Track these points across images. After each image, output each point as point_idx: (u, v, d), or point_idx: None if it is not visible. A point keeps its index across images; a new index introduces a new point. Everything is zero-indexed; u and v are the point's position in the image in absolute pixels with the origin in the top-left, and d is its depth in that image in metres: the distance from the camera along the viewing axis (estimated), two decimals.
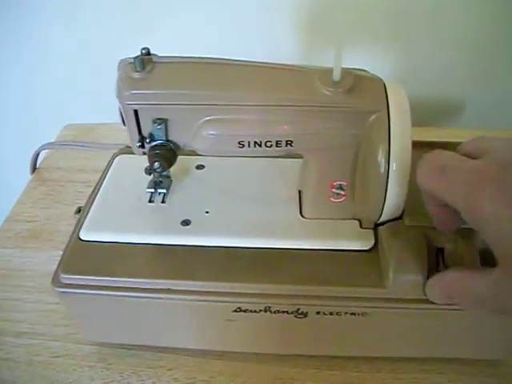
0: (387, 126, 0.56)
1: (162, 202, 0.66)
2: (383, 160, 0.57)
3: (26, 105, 0.95)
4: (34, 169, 0.86)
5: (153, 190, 0.66)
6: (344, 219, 0.64)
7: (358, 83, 0.57)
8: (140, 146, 0.60)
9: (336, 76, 0.56)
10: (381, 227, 0.62)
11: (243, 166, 0.72)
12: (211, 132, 0.57)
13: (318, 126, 0.57)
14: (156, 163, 0.58)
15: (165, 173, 0.67)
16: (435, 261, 0.57)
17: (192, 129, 0.58)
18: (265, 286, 0.59)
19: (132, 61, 0.57)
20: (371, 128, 0.57)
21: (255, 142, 0.57)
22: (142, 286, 0.59)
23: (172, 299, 0.59)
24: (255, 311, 0.59)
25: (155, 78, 0.57)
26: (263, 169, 0.71)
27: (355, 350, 0.66)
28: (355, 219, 0.64)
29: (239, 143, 0.58)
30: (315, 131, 0.57)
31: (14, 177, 0.87)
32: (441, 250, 0.58)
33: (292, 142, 0.58)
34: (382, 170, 0.57)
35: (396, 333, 0.62)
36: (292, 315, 0.59)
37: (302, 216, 0.65)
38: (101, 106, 0.80)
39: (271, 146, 0.58)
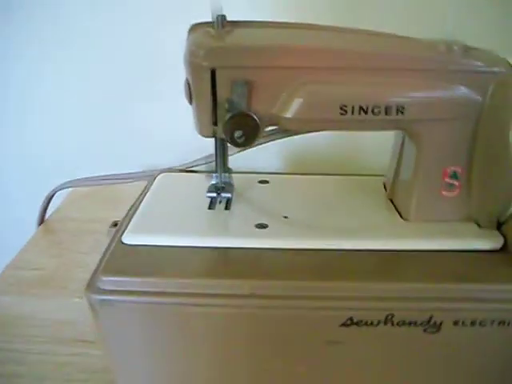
0: None
1: (226, 208, 0.52)
2: None
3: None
4: (41, 220, 0.71)
5: (214, 195, 0.53)
6: (457, 221, 0.51)
7: (471, 48, 0.50)
8: (213, 123, 0.49)
9: (449, 34, 0.49)
10: (509, 222, 0.50)
11: (311, 182, 0.60)
12: (308, 97, 0.47)
13: (433, 90, 0.48)
14: (237, 131, 0.46)
15: (229, 179, 0.55)
16: None
17: (282, 94, 0.47)
18: (387, 285, 0.44)
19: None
20: (496, 94, 0.48)
21: (361, 108, 0.47)
22: (207, 291, 0.44)
23: (253, 306, 0.43)
24: (372, 323, 0.44)
25: (238, 35, 0.48)
26: (338, 184, 0.60)
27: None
28: (470, 221, 0.51)
29: (342, 109, 0.47)
30: (430, 96, 0.48)
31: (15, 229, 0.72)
32: None
33: (403, 108, 0.47)
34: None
35: None
36: (421, 328, 0.44)
37: (404, 219, 0.52)
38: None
39: (379, 112, 0.47)
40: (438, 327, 0.44)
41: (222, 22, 0.48)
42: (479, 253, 0.48)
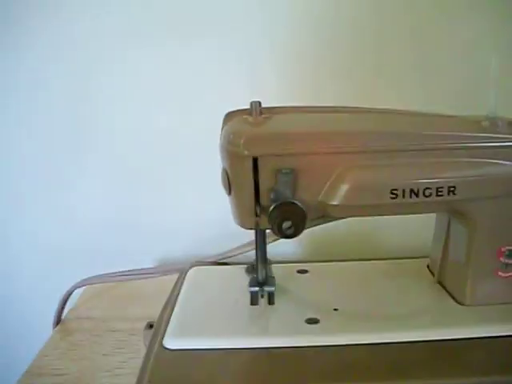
0: None
1: (270, 303, 0.49)
2: None
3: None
4: (58, 320, 0.66)
5: (257, 289, 0.50)
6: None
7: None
8: (255, 214, 0.46)
9: (492, 110, 0.48)
10: None
11: (351, 269, 0.58)
12: (355, 182, 0.45)
13: (482, 167, 0.46)
14: (286, 222, 0.44)
15: (270, 271, 0.52)
16: None
17: (327, 180, 0.45)
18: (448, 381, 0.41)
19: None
20: None
21: (411, 191, 0.45)
22: None
23: None
24: None
25: (276, 122, 0.47)
26: (378, 269, 0.57)
27: None
28: None
29: (392, 193, 0.45)
30: (480, 173, 0.46)
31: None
32: None
33: (455, 188, 0.46)
34: None
35: None
36: None
37: (459, 303, 0.49)
38: None
39: (430, 194, 0.45)
40: None
41: (259, 109, 0.46)
42: None
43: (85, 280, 0.66)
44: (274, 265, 0.55)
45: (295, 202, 0.45)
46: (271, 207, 0.45)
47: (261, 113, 0.47)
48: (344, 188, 0.45)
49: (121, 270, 0.67)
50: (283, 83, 0.69)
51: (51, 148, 0.74)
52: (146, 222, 0.74)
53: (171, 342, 0.45)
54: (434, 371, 0.42)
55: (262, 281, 0.51)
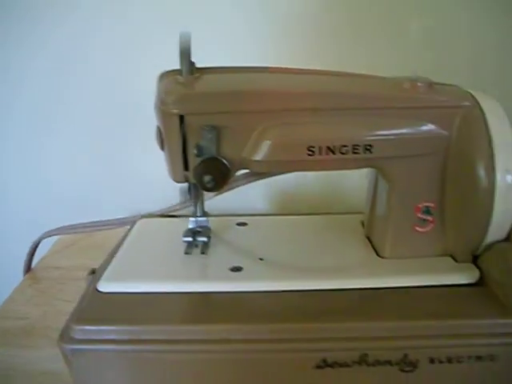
0: (483, 122, 0.48)
1: (202, 252, 0.52)
2: (483, 166, 0.47)
3: None
4: (28, 268, 0.71)
5: (190, 239, 0.53)
6: (433, 256, 0.51)
7: (434, 83, 0.50)
8: (184, 168, 0.49)
9: (413, 72, 0.50)
10: (485, 253, 0.49)
11: (289, 223, 0.60)
12: (275, 139, 0.48)
13: (400, 127, 0.48)
14: (207, 176, 0.47)
15: (206, 223, 0.55)
16: None
17: (251, 137, 0.48)
18: (359, 325, 0.44)
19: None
20: (462, 127, 0.48)
21: (328, 148, 0.48)
22: (181, 337, 0.43)
23: (227, 351, 0.43)
24: (346, 364, 0.43)
25: (205, 81, 0.49)
26: (315, 223, 0.60)
27: None
28: (446, 255, 0.51)
29: (309, 150, 0.48)
30: (397, 133, 0.48)
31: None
32: None
33: (371, 146, 0.48)
34: (485, 180, 0.47)
35: None
36: (397, 367, 0.43)
37: (381, 256, 0.52)
38: None
39: (347, 152, 0.48)
40: (414, 365, 0.43)
41: (190, 69, 0.49)
42: (455, 287, 0.48)
43: (54, 230, 0.70)
44: (217, 217, 0.59)
45: (218, 157, 0.49)
46: (196, 162, 0.48)
47: (192, 73, 0.49)
48: (265, 145, 0.48)
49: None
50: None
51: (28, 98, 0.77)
52: (120, 174, 0.78)
53: (104, 286, 0.49)
54: (351, 316, 0.45)
55: (196, 231, 0.54)
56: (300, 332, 0.43)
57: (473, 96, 0.50)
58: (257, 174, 0.57)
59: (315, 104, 0.48)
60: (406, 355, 0.43)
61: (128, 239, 0.57)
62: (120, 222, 0.64)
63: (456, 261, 0.51)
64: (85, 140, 0.78)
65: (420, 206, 0.50)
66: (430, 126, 0.48)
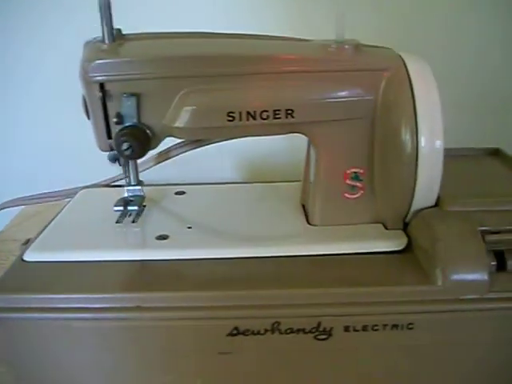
0: (408, 86, 0.46)
1: (133, 221, 0.52)
2: (408, 132, 0.46)
3: None
4: None
5: (121, 208, 0.53)
6: (363, 223, 0.50)
7: (363, 46, 0.49)
8: (108, 137, 0.49)
9: (340, 34, 0.48)
10: (413, 220, 0.48)
11: (231, 190, 0.60)
12: (194, 105, 0.47)
13: (322, 91, 0.47)
14: (125, 143, 0.46)
15: (140, 192, 0.55)
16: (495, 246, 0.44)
17: (169, 104, 0.47)
18: (270, 293, 0.43)
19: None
20: (387, 91, 0.47)
21: (248, 113, 0.47)
22: (99, 305, 0.43)
23: (140, 319, 0.43)
24: (259, 332, 0.43)
25: (125, 48, 0.48)
26: (254, 192, 0.59)
27: None
28: (378, 222, 0.50)
29: (229, 115, 0.47)
30: (319, 97, 0.47)
31: None
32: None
33: (293, 111, 0.47)
34: (408, 146, 0.46)
35: (460, 355, 0.45)
36: (311, 335, 0.43)
37: (311, 224, 0.51)
38: None
39: (267, 117, 0.47)
40: (328, 333, 0.43)
41: (111, 36, 0.48)
42: (380, 255, 0.47)
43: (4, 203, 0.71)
44: (155, 187, 0.58)
45: (139, 125, 0.48)
46: (115, 134, 0.48)
47: (114, 40, 0.48)
48: (185, 111, 0.47)
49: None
50: None
51: None
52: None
53: (29, 255, 0.49)
54: (265, 284, 0.44)
55: (128, 201, 0.54)
56: (211, 300, 0.43)
57: (401, 58, 0.48)
58: (194, 143, 0.56)
59: (235, 69, 0.47)
60: (319, 323, 0.43)
61: (64, 210, 0.56)
62: (68, 193, 0.64)
63: (386, 228, 0.50)
64: (42, 113, 0.78)
65: (348, 172, 0.49)
66: (354, 90, 0.47)
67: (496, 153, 0.60)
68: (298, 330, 0.43)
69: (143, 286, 0.44)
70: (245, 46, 0.49)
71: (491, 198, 0.49)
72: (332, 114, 0.47)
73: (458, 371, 0.45)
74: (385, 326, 0.43)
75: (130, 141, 0.47)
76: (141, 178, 0.55)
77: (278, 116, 0.47)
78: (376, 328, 0.43)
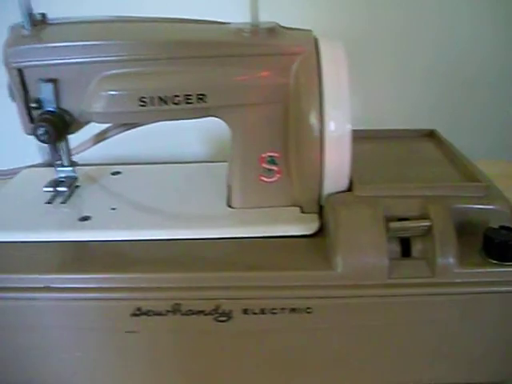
0: (316, 70, 0.46)
1: (63, 202, 0.53)
2: (314, 115, 0.46)
3: None
4: None
5: (51, 189, 0.54)
6: (281, 206, 0.51)
7: (280, 29, 0.48)
8: (30, 121, 0.50)
9: (254, 17, 0.48)
10: (325, 204, 0.48)
11: (166, 171, 0.61)
12: (107, 90, 0.47)
13: (232, 74, 0.47)
14: (40, 128, 0.47)
15: (72, 173, 0.56)
16: (399, 233, 0.45)
17: (86, 89, 0.48)
18: (172, 275, 0.44)
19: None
20: (299, 75, 0.47)
21: (160, 98, 0.47)
22: (10, 285, 0.45)
23: (48, 299, 0.45)
24: (161, 313, 0.44)
25: (43, 34, 0.49)
26: (189, 172, 0.60)
27: (301, 371, 0.48)
28: (295, 206, 0.51)
29: (141, 100, 0.47)
30: (231, 82, 0.47)
31: None
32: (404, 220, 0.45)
33: (204, 96, 0.47)
34: (316, 129, 0.46)
35: (357, 342, 0.46)
36: (211, 317, 0.44)
37: (230, 207, 0.52)
38: None
39: (179, 102, 0.47)
40: (227, 316, 0.44)
41: (31, 21, 0.49)
42: (290, 239, 0.48)
43: None
44: (92, 166, 0.60)
45: (57, 110, 0.49)
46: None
47: (35, 25, 0.49)
48: (100, 97, 0.48)
49: None
50: None
51: None
52: None
53: None
54: (167, 266, 0.45)
55: (58, 182, 0.55)
56: (115, 281, 0.44)
57: (315, 42, 0.48)
58: (125, 125, 0.57)
59: (147, 54, 0.47)
60: (218, 306, 0.44)
61: (2, 190, 0.58)
62: (13, 172, 0.65)
63: (303, 211, 0.50)
64: None
65: (264, 155, 0.50)
66: (266, 74, 0.47)
67: (431, 135, 0.60)
68: (199, 312, 0.44)
69: (53, 268, 0.46)
70: (158, 31, 0.49)
71: (406, 183, 0.48)
72: (245, 99, 0.48)
73: (356, 356, 0.46)
74: (283, 309, 0.44)
75: (46, 126, 0.48)
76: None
77: (189, 101, 0.47)
78: (274, 311, 0.44)
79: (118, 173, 0.60)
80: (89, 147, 0.59)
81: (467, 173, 0.50)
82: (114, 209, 0.52)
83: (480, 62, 0.82)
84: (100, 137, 0.59)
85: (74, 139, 0.55)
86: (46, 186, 0.55)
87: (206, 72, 0.47)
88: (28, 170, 0.63)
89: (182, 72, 0.47)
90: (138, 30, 0.49)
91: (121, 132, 0.58)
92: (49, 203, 0.54)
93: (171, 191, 0.56)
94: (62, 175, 0.56)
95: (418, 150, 0.57)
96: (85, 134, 0.56)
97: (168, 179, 0.59)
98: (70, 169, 0.56)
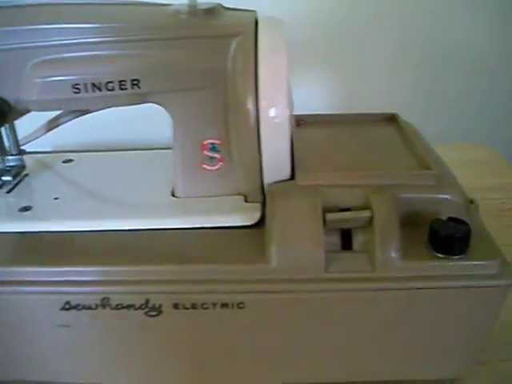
0: (253, 53, 0.44)
1: (8, 192, 0.52)
2: (250, 100, 0.44)
3: None
4: None
5: None
6: (225, 195, 0.49)
7: (220, 10, 0.46)
8: None
9: (191, 1, 0.46)
10: (267, 193, 0.46)
11: (118, 159, 0.59)
12: (41, 77, 0.46)
13: (167, 58, 0.45)
14: None
15: (20, 161, 0.55)
16: (338, 224, 0.42)
17: (20, 76, 0.46)
18: (101, 269, 0.43)
19: None
20: (236, 58, 0.44)
21: (93, 85, 0.45)
22: None
23: None
24: (90, 307, 0.43)
25: None
26: (140, 161, 0.58)
27: (233, 367, 0.47)
28: (240, 194, 0.49)
29: (74, 87, 0.45)
30: (166, 65, 0.45)
31: None
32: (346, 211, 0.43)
33: (139, 81, 0.45)
34: (251, 115, 0.44)
35: (291, 338, 0.44)
36: (141, 311, 0.43)
37: (174, 196, 0.50)
38: None
39: (113, 88, 0.45)
40: (158, 310, 0.43)
41: None
42: (228, 229, 0.46)
43: None
44: (44, 154, 0.58)
45: None
46: None
47: None
48: (34, 84, 0.46)
49: None
50: None
51: None
52: None
53: None
54: (95, 259, 0.44)
55: (3, 170, 0.54)
56: (44, 274, 0.43)
57: (255, 23, 0.45)
58: (76, 112, 0.55)
59: (79, 38, 0.46)
60: (147, 300, 0.42)
61: None
62: None
63: (247, 201, 0.48)
64: None
65: (205, 142, 0.48)
66: (202, 58, 0.45)
67: (392, 119, 0.57)
68: (129, 306, 0.43)
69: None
70: (92, 14, 0.47)
71: (352, 170, 0.46)
72: (181, 84, 0.46)
73: (290, 353, 0.44)
74: (214, 304, 0.42)
75: None
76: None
77: (123, 87, 0.45)
78: (206, 306, 0.42)
79: (70, 160, 0.59)
80: (41, 135, 0.58)
81: (422, 159, 0.48)
82: (56, 198, 0.51)
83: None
84: (52, 124, 0.57)
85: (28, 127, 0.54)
86: None
87: (139, 56, 0.45)
88: None
89: (115, 56, 0.45)
90: (72, 14, 0.47)
91: (73, 118, 0.56)
92: None
93: (120, 180, 0.54)
94: (10, 164, 0.54)
95: (377, 135, 0.54)
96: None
97: (120, 167, 0.57)
98: (17, 157, 0.55)
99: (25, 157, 0.57)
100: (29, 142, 0.58)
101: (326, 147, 0.51)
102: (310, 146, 0.50)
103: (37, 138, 0.58)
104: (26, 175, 0.56)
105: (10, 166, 0.55)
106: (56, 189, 0.53)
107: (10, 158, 0.55)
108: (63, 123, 0.57)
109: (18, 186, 0.54)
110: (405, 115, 0.57)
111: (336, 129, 0.54)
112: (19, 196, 0.52)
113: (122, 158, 0.59)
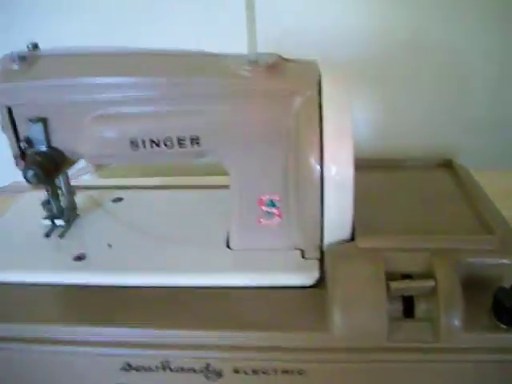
0: (317, 110, 0.43)
1: (61, 236, 0.52)
2: (314, 158, 0.43)
3: None
4: None
5: (49, 223, 0.53)
6: (281, 249, 0.48)
7: (282, 64, 0.45)
8: (21, 157, 0.48)
9: (252, 54, 0.44)
10: (326, 254, 0.46)
11: (170, 199, 0.58)
12: (98, 131, 0.45)
13: (229, 115, 0.44)
14: (29, 171, 0.46)
15: (69, 204, 0.55)
16: (401, 292, 0.41)
17: (77, 129, 0.46)
18: (161, 332, 0.43)
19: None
20: (300, 115, 0.43)
21: (152, 141, 0.45)
22: None
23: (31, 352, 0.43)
24: (150, 368, 0.43)
25: (33, 70, 0.47)
26: (192, 201, 0.58)
27: None
28: (297, 249, 0.48)
29: (132, 143, 0.45)
30: (228, 123, 0.44)
31: None
32: (408, 277, 0.42)
33: (198, 138, 0.44)
34: (315, 173, 0.43)
35: None
36: (201, 375, 0.43)
37: (229, 247, 0.50)
38: None
39: (172, 145, 0.45)
40: (218, 374, 0.43)
41: (21, 56, 0.47)
42: (287, 289, 0.45)
43: None
44: (93, 191, 0.58)
45: (46, 150, 0.47)
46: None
47: (24, 59, 0.47)
48: (90, 138, 0.46)
49: None
50: None
51: None
52: None
53: None
54: (154, 321, 0.43)
55: (55, 214, 0.54)
56: (103, 335, 0.43)
57: (318, 78, 0.44)
58: None
59: (138, 94, 0.45)
60: (208, 364, 0.42)
61: (7, 213, 0.57)
62: (16, 191, 0.64)
63: (304, 256, 0.48)
64: None
65: (264, 198, 0.47)
66: (266, 115, 0.44)
67: (448, 165, 0.55)
68: (189, 370, 0.43)
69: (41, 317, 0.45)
70: (151, 67, 0.46)
71: (411, 232, 0.45)
72: (242, 141, 0.45)
73: None
74: (275, 371, 0.42)
75: (35, 169, 0.46)
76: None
77: (183, 144, 0.45)
78: (266, 372, 0.42)
79: (119, 199, 0.58)
80: (90, 171, 0.57)
81: (483, 218, 0.47)
82: (110, 245, 0.51)
83: None
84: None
85: None
86: (44, 218, 0.53)
87: (200, 113, 0.44)
88: (29, 194, 0.61)
89: (174, 114, 0.45)
90: (130, 66, 0.46)
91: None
92: (48, 236, 0.53)
93: (172, 224, 0.54)
94: (58, 206, 0.54)
95: (434, 185, 0.53)
96: None
97: (171, 207, 0.57)
98: (69, 197, 0.54)
99: None
100: (77, 178, 0.58)
101: (382, 200, 0.50)
102: (366, 198, 0.48)
103: (85, 173, 0.57)
104: (78, 215, 0.55)
105: (61, 208, 0.54)
106: (109, 233, 0.53)
107: (61, 199, 0.54)
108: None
109: (72, 228, 0.53)
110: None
111: (390, 175, 0.53)
112: (72, 242, 0.52)
113: (172, 198, 0.59)
